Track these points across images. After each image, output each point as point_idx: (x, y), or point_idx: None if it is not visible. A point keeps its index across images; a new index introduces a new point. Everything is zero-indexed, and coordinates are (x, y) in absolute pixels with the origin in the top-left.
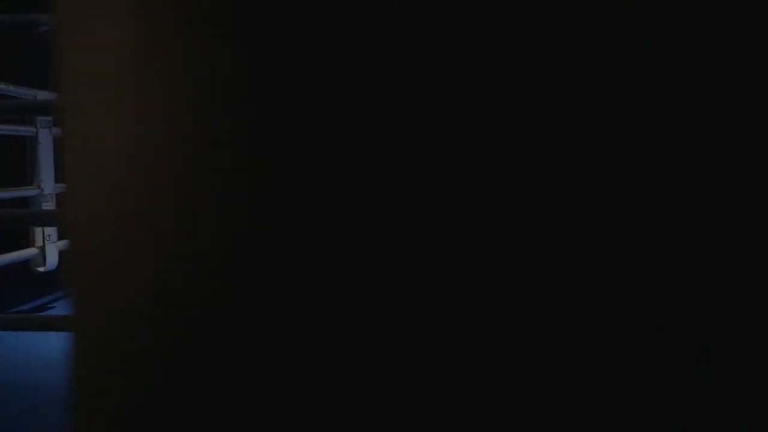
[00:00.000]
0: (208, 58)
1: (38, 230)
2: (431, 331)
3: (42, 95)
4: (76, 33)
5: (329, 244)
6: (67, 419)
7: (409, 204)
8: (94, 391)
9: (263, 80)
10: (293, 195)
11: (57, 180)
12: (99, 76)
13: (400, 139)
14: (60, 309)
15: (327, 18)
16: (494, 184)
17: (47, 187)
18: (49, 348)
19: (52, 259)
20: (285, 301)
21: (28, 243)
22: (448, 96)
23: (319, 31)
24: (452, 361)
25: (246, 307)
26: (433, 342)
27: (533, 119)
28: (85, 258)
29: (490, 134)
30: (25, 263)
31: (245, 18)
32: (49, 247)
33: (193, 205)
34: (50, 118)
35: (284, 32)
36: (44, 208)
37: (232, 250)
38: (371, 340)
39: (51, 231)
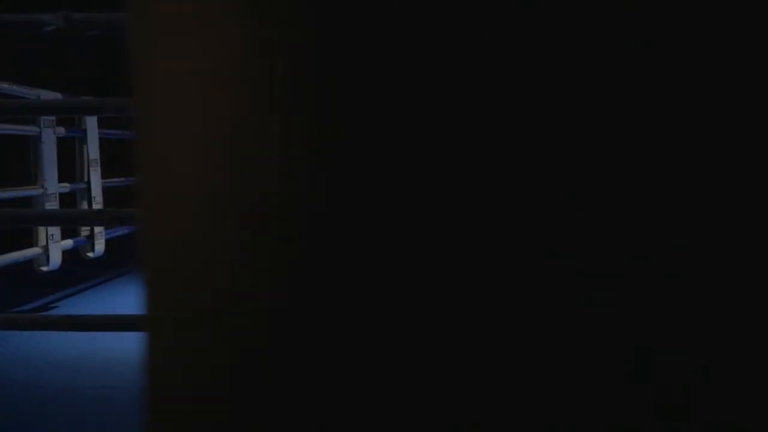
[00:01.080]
0: (296, 60)
1: (41, 230)
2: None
3: (45, 95)
4: (158, 35)
5: (410, 243)
6: (141, 415)
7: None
8: (168, 388)
9: (351, 82)
10: (386, 196)
11: (60, 180)
12: (185, 77)
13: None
14: (62, 309)
15: (417, 17)
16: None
17: (50, 186)
18: (51, 347)
19: (56, 259)
20: (368, 302)
21: (29, 243)
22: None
23: (410, 29)
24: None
25: (324, 307)
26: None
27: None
28: (164, 258)
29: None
30: (27, 263)
31: (334, 20)
32: (52, 247)
33: (274, 206)
34: (53, 118)
35: (374, 33)
36: (47, 207)
37: (309, 250)
38: (460, 336)
39: (54, 231)
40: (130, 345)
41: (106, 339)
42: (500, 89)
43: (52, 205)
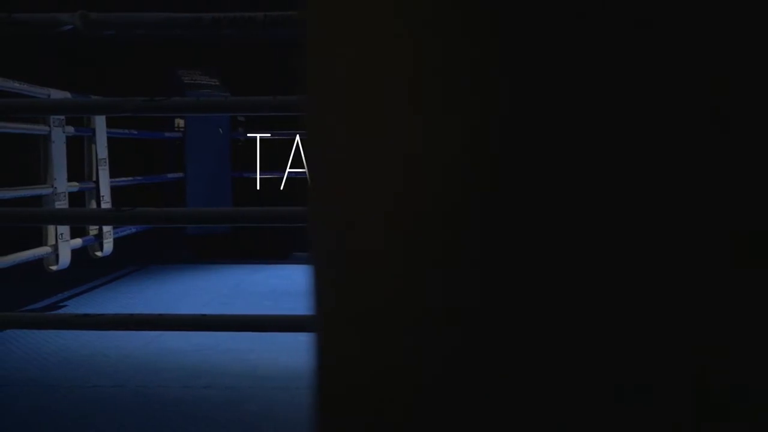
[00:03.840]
0: (476, 62)
1: (51, 229)
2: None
3: (55, 94)
4: (336, 35)
5: (588, 250)
6: (314, 416)
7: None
8: (341, 389)
9: (523, 84)
10: (567, 200)
11: (69, 179)
12: (362, 79)
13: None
14: (71, 307)
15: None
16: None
17: (60, 185)
18: (63, 346)
19: (65, 258)
20: (546, 303)
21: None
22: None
23: (567, 29)
24: None
25: (505, 308)
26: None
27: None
28: (340, 258)
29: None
30: (36, 262)
31: (506, 22)
32: (61, 246)
33: (452, 208)
34: (63, 117)
35: (546, 32)
36: (57, 206)
37: (489, 251)
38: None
39: (64, 230)
40: (138, 344)
41: (116, 338)
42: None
43: (62, 204)
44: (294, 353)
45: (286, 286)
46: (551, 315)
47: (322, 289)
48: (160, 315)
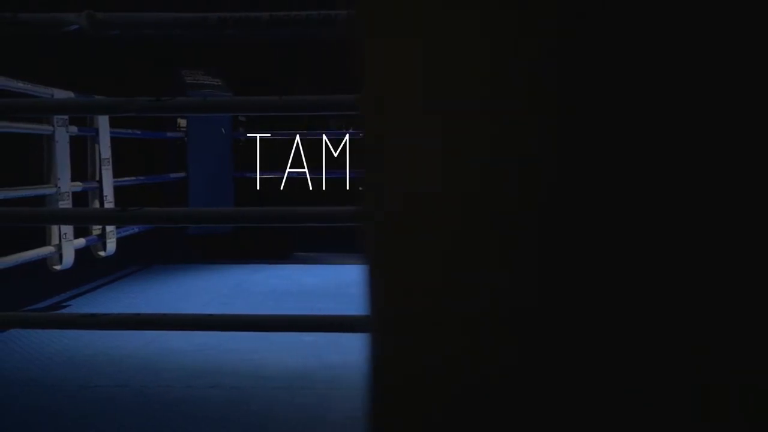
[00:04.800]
0: (535, 61)
1: (54, 228)
2: None
3: (59, 94)
4: (391, 33)
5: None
6: (366, 420)
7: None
8: (395, 392)
9: (589, 85)
10: (632, 203)
11: (72, 179)
12: (420, 76)
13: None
14: (74, 307)
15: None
16: None
17: (63, 185)
18: (66, 346)
19: (69, 258)
20: (607, 302)
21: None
22: None
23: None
24: None
25: (568, 308)
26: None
27: None
28: (399, 258)
29: None
30: (40, 262)
31: (575, 20)
32: (65, 246)
33: (514, 208)
34: (66, 117)
35: (618, 33)
36: (60, 206)
37: (551, 250)
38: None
39: (67, 230)
40: (139, 344)
41: (118, 338)
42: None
43: (65, 203)
44: (297, 353)
45: (287, 286)
46: (605, 318)
47: (376, 289)
48: (164, 314)
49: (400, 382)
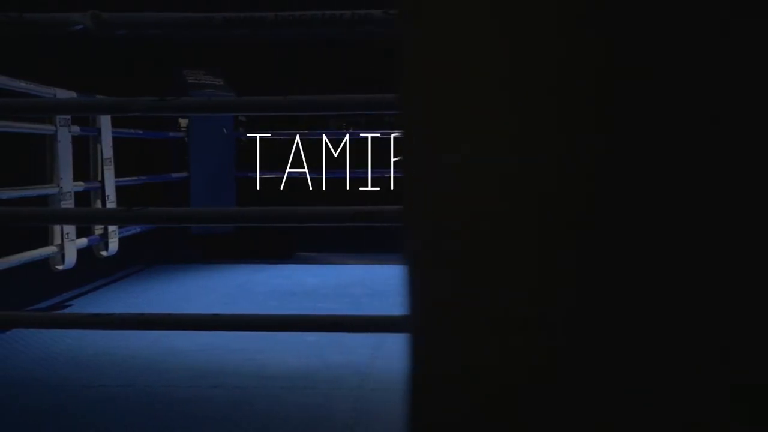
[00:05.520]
0: (585, 66)
1: (57, 228)
2: None
3: (61, 94)
4: (438, 35)
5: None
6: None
7: None
8: (436, 392)
9: (641, 83)
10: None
11: (74, 178)
12: (464, 78)
13: None
14: (77, 307)
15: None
16: None
17: (66, 185)
18: (69, 346)
19: (71, 258)
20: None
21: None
22: None
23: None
24: None
25: (615, 311)
26: None
27: None
28: (442, 258)
29: None
30: (42, 262)
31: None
32: (67, 246)
33: (548, 213)
34: (68, 117)
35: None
36: (63, 206)
37: (597, 251)
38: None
39: (70, 229)
40: (144, 344)
41: (122, 337)
42: None
43: (68, 203)
44: (301, 354)
45: (289, 286)
46: (644, 322)
47: (418, 289)
48: (169, 314)
49: (440, 382)
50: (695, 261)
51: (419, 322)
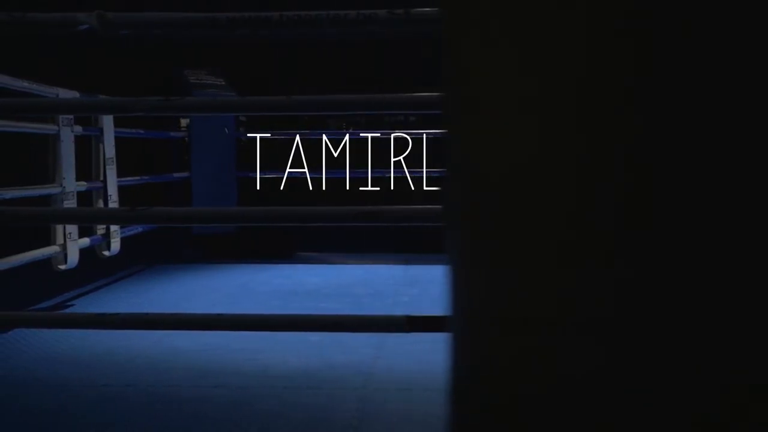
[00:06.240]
0: (627, 65)
1: (59, 228)
2: None
3: (63, 93)
4: (481, 36)
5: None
6: (448, 420)
7: None
8: (479, 392)
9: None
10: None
11: (77, 178)
12: (508, 81)
13: None
14: (79, 307)
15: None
16: None
17: (68, 185)
18: (71, 346)
19: (73, 257)
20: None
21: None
22: None
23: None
24: None
25: (654, 313)
26: None
27: None
28: (484, 258)
29: None
30: (44, 261)
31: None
32: (70, 246)
33: (594, 213)
34: (71, 117)
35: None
36: (65, 205)
37: (634, 255)
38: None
39: (72, 229)
40: (146, 344)
41: (125, 337)
42: None
43: (70, 203)
44: (304, 354)
45: (291, 285)
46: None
47: (461, 290)
48: (172, 314)
49: (482, 382)
50: (695, 261)
51: (459, 323)
